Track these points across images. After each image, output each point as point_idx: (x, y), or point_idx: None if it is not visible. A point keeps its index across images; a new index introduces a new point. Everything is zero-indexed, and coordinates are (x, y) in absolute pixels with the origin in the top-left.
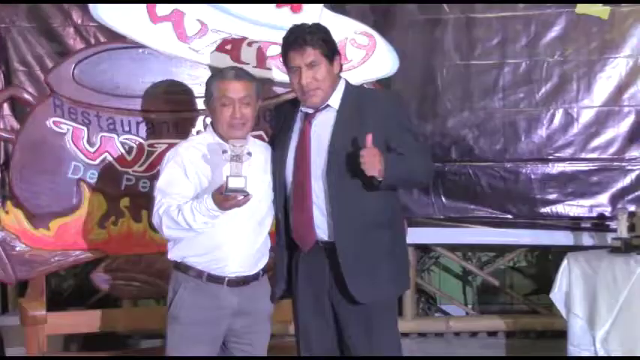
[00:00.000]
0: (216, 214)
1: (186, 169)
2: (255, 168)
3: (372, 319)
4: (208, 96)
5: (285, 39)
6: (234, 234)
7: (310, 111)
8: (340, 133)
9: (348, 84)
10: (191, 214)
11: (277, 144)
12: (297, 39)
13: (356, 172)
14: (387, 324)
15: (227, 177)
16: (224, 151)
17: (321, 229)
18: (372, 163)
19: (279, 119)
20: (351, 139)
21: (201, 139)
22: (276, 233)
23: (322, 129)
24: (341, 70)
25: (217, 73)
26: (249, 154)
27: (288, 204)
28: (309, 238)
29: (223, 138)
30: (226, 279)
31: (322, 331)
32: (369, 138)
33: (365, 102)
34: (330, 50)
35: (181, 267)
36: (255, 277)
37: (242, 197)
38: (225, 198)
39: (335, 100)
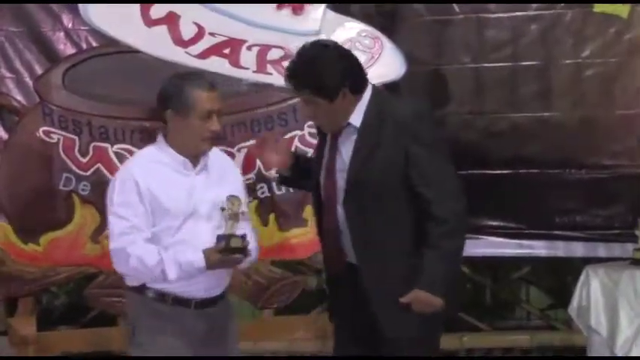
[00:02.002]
0: (201, 271)
1: (141, 193)
2: (213, 182)
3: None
4: (178, 105)
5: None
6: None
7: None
8: (359, 155)
9: (373, 96)
10: (175, 269)
11: (315, 162)
12: (288, 77)
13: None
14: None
15: (227, 237)
16: (222, 209)
17: (349, 253)
18: (424, 307)
19: (321, 132)
20: (364, 160)
21: (154, 156)
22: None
23: (346, 149)
24: (358, 90)
25: (189, 80)
26: (243, 213)
27: (322, 225)
28: (338, 261)
29: (183, 152)
30: (193, 302)
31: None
32: (404, 302)
33: (384, 117)
34: (325, 92)
35: (141, 289)
36: (221, 297)
37: (241, 256)
38: (225, 259)
39: (356, 117)
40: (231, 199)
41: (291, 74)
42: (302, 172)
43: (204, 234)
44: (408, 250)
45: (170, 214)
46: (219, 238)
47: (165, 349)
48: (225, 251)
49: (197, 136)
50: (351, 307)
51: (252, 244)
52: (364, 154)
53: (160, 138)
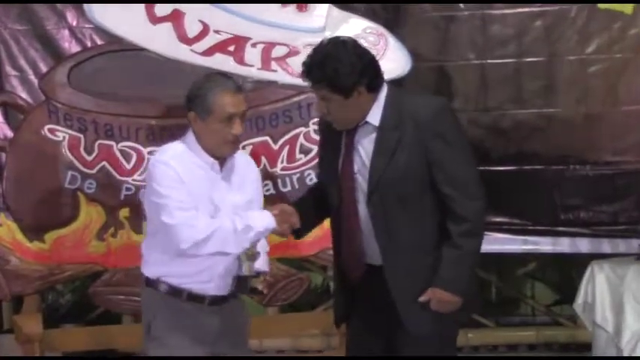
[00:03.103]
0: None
1: (182, 181)
2: (235, 186)
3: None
4: (200, 108)
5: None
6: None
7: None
8: (381, 154)
9: (390, 94)
10: (248, 231)
11: (326, 162)
12: (304, 72)
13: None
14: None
15: (248, 277)
16: (244, 250)
17: (369, 254)
18: (443, 305)
19: (327, 130)
20: (387, 159)
21: (186, 153)
22: (334, 255)
23: (364, 148)
24: (374, 89)
25: (213, 82)
26: (258, 253)
27: (341, 227)
28: (358, 265)
29: (210, 154)
30: (208, 298)
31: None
32: (423, 298)
33: (404, 114)
34: (341, 88)
35: (156, 284)
36: (234, 295)
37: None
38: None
39: (374, 115)
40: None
41: (308, 69)
42: (309, 214)
43: None
44: (430, 248)
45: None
46: (240, 278)
47: (181, 343)
48: (247, 291)
49: (220, 139)
50: (371, 309)
51: (263, 258)
52: (386, 154)
53: (190, 136)
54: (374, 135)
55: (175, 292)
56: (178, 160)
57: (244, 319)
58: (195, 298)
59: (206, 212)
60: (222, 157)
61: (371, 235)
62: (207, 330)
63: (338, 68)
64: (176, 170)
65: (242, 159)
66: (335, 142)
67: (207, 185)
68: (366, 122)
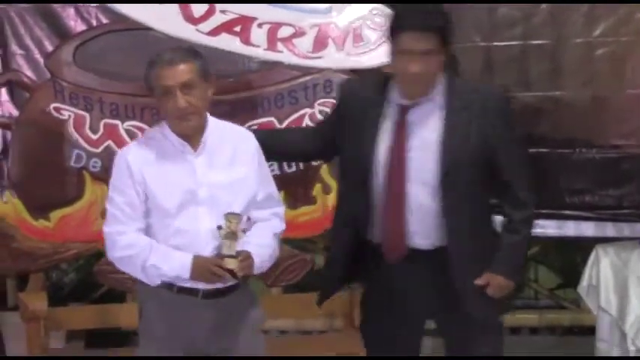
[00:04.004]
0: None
1: (133, 180)
2: (219, 163)
3: (477, 335)
4: (150, 87)
5: (408, 13)
6: (212, 246)
7: (406, 103)
8: (453, 135)
9: (448, 75)
10: (157, 273)
11: (356, 137)
12: (425, 21)
13: None
14: (492, 344)
15: (222, 256)
16: (219, 227)
17: (416, 236)
18: (499, 290)
19: (351, 103)
20: (461, 140)
21: (154, 137)
22: (337, 231)
23: (423, 126)
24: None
25: (153, 60)
26: (244, 231)
27: (371, 208)
28: (400, 246)
29: (176, 133)
30: (201, 291)
31: (403, 341)
32: (481, 282)
33: (471, 98)
34: (447, 41)
35: None
36: (233, 288)
37: (229, 277)
38: (213, 275)
39: (438, 93)
40: (229, 216)
41: (428, 12)
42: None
43: (205, 221)
44: (486, 232)
45: (162, 201)
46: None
47: (170, 337)
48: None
49: (170, 116)
50: (410, 293)
51: (265, 252)
52: (459, 135)
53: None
54: (438, 114)
55: (167, 284)
56: (143, 147)
57: (250, 311)
58: (186, 290)
59: (176, 203)
60: (183, 134)
61: (425, 216)
62: (201, 323)
63: (450, 21)
64: (130, 165)
65: (233, 134)
66: (368, 119)
67: (178, 168)
68: (428, 100)
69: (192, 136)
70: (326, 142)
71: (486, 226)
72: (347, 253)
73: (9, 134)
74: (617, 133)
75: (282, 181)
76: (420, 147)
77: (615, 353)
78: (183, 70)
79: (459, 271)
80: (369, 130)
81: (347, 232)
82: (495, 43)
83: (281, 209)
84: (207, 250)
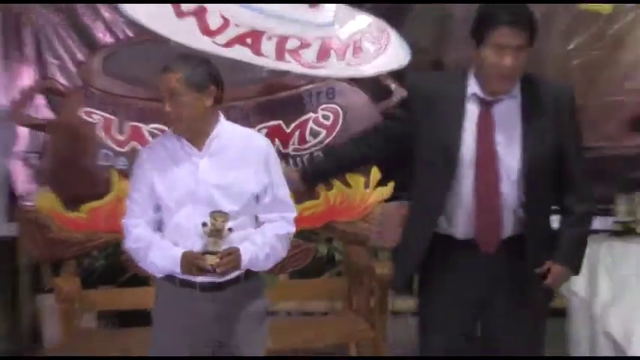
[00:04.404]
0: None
1: (146, 177)
2: (223, 164)
3: (536, 321)
4: None
5: (505, 10)
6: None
7: (490, 98)
8: (530, 129)
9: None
10: (154, 267)
11: (439, 130)
12: (518, 16)
13: None
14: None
15: (204, 253)
16: (204, 224)
17: (507, 227)
18: (559, 281)
19: (427, 97)
20: (539, 137)
21: (164, 139)
22: (415, 223)
23: (506, 121)
24: None
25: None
26: (230, 229)
27: (455, 200)
28: (495, 238)
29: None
30: (198, 284)
31: (461, 326)
32: (542, 271)
33: (546, 96)
34: (534, 37)
35: None
36: (234, 281)
37: (210, 273)
38: (198, 270)
39: (516, 90)
40: (215, 214)
41: (526, 14)
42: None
43: (201, 218)
44: (549, 223)
45: (164, 197)
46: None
47: (175, 327)
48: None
49: (168, 120)
50: (487, 277)
51: (261, 251)
52: (539, 132)
53: None
54: (517, 111)
55: (169, 277)
56: (157, 147)
57: (250, 305)
58: (186, 283)
59: (176, 199)
60: (184, 137)
61: (509, 208)
62: (202, 315)
63: (535, 20)
64: (143, 163)
65: (243, 138)
66: (450, 113)
67: (183, 168)
68: (510, 96)
69: (198, 138)
70: (388, 141)
71: (550, 218)
72: (424, 240)
73: (44, 135)
74: (592, 136)
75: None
76: (505, 142)
77: (584, 333)
78: (169, 79)
79: (533, 257)
80: (454, 124)
81: (425, 220)
82: None
83: (290, 214)
84: (199, 246)
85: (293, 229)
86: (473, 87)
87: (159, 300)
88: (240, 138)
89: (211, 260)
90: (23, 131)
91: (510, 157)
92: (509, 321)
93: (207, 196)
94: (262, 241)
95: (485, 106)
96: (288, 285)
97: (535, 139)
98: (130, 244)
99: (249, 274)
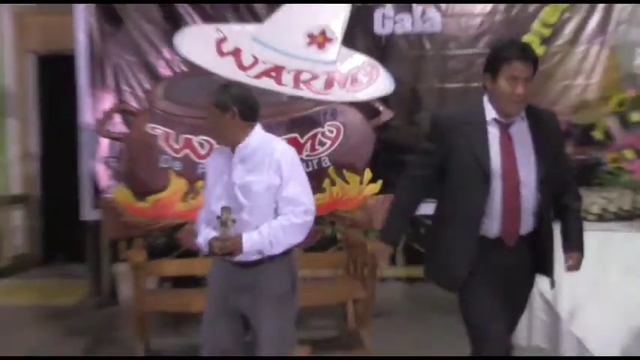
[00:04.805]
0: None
1: (207, 177)
2: (246, 169)
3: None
4: None
5: (516, 48)
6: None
7: (505, 121)
8: (539, 145)
9: None
10: (199, 241)
11: (472, 150)
12: (526, 53)
13: None
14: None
15: (216, 240)
16: (217, 217)
17: (525, 225)
18: (579, 264)
19: (455, 128)
20: (546, 152)
21: (219, 147)
22: (460, 229)
23: (520, 139)
24: None
25: None
26: (234, 221)
27: (488, 204)
28: (517, 234)
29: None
30: (228, 261)
31: (498, 312)
32: (570, 258)
33: (540, 118)
34: (536, 70)
35: None
36: (260, 262)
37: (223, 255)
38: (211, 253)
39: (523, 112)
40: (222, 209)
41: (530, 51)
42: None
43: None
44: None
45: (208, 190)
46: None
47: (217, 291)
48: (211, 252)
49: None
50: (508, 271)
51: (263, 239)
52: (547, 146)
53: None
54: (526, 130)
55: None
56: (218, 149)
57: (271, 281)
58: (225, 260)
59: (216, 194)
60: (224, 145)
61: (528, 211)
62: (230, 287)
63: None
64: (208, 160)
65: (268, 146)
66: (478, 135)
67: (223, 168)
68: (519, 118)
69: (234, 147)
70: (435, 170)
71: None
72: (474, 242)
73: (120, 145)
74: None
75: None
76: (522, 157)
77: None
78: (209, 102)
79: (548, 246)
80: (482, 143)
81: (472, 227)
82: (448, 85)
83: (298, 208)
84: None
85: (300, 220)
86: (491, 112)
87: (210, 270)
88: (263, 146)
89: (216, 246)
90: (105, 142)
91: (527, 169)
92: (521, 299)
93: (233, 194)
94: (267, 231)
95: (504, 127)
96: (302, 257)
97: (544, 153)
98: (195, 226)
99: (272, 257)
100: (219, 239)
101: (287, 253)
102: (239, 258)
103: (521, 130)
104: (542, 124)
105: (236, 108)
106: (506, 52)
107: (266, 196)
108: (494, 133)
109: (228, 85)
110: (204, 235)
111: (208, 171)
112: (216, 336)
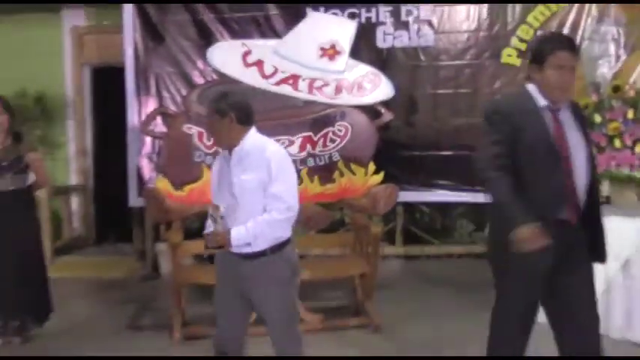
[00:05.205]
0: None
1: (212, 177)
2: (241, 169)
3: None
4: None
5: (560, 39)
6: (231, 224)
7: (555, 107)
8: (583, 130)
9: None
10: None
11: (536, 135)
12: (570, 43)
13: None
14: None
15: (206, 235)
16: (210, 215)
17: (582, 204)
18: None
19: (515, 114)
20: (587, 135)
21: (222, 152)
22: (540, 209)
23: (568, 124)
24: None
25: None
26: (222, 217)
27: (556, 184)
28: (578, 213)
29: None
30: (237, 253)
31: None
32: None
33: (578, 108)
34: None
35: None
36: (261, 254)
37: (214, 248)
38: (205, 247)
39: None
40: (212, 207)
41: (574, 42)
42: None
43: (223, 206)
44: None
45: (214, 193)
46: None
47: (224, 278)
48: (206, 246)
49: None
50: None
51: (246, 234)
52: (585, 131)
53: None
54: (571, 116)
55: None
56: (220, 156)
57: (274, 272)
58: (230, 252)
59: (217, 192)
60: (227, 149)
61: (582, 190)
62: (235, 275)
63: None
64: (214, 168)
65: (258, 148)
66: (534, 122)
67: (222, 167)
68: (566, 105)
69: (231, 150)
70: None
71: None
72: (549, 227)
73: (160, 142)
74: None
75: (315, 170)
76: (573, 140)
77: None
78: (210, 110)
79: (600, 226)
80: (542, 128)
81: (547, 209)
82: (439, 91)
83: (282, 205)
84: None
85: (282, 217)
86: (542, 100)
87: (215, 261)
88: (256, 148)
89: (208, 240)
90: (148, 140)
91: (579, 151)
92: (583, 272)
93: (232, 193)
94: (253, 225)
95: (554, 113)
96: (316, 238)
97: (587, 138)
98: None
99: (273, 248)
100: (212, 234)
101: (284, 245)
102: (239, 250)
103: (567, 117)
104: (579, 112)
105: (233, 114)
106: (551, 44)
107: (257, 193)
108: (548, 119)
109: (226, 93)
110: (207, 230)
111: (213, 174)
112: (228, 324)
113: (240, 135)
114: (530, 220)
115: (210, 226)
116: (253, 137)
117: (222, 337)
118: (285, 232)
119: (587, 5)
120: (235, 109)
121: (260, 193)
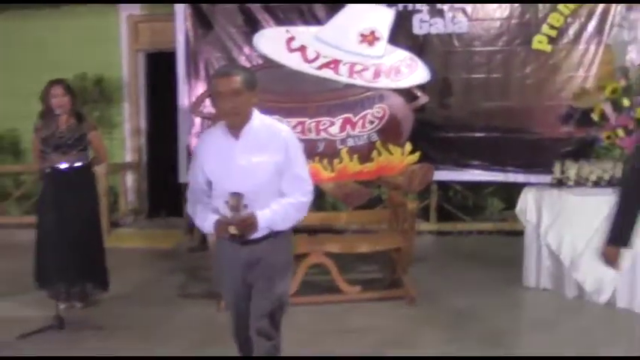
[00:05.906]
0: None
1: (199, 159)
2: (250, 149)
3: None
4: (211, 93)
5: None
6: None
7: None
8: None
9: None
10: (200, 220)
11: None
12: None
13: None
14: None
15: (228, 222)
16: (226, 202)
17: None
18: None
19: None
20: None
21: (216, 130)
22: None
23: None
24: None
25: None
26: (246, 206)
27: None
28: None
29: (228, 125)
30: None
31: None
32: None
33: None
34: None
35: None
36: (264, 238)
37: (235, 237)
38: (227, 234)
39: None
40: (232, 196)
41: None
42: None
43: (233, 190)
44: None
45: (209, 172)
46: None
47: (221, 264)
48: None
49: (218, 113)
50: None
51: (275, 217)
52: None
53: None
54: None
55: None
56: (210, 134)
57: (277, 256)
58: (231, 237)
59: (217, 175)
60: (233, 127)
61: None
62: (238, 261)
63: None
64: (200, 145)
65: (270, 129)
66: None
67: (224, 150)
68: None
69: (238, 129)
70: None
71: None
72: None
73: (209, 122)
74: (538, 125)
75: (355, 150)
76: None
77: (534, 245)
78: (234, 81)
79: None
80: None
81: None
82: (473, 75)
83: (306, 185)
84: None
85: (306, 199)
86: None
87: (217, 248)
88: (266, 128)
89: (233, 230)
90: (197, 120)
91: None
92: None
93: (238, 175)
94: (277, 208)
95: None
96: (354, 214)
97: None
98: (188, 210)
99: (277, 233)
100: (234, 220)
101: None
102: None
103: None
104: None
105: (256, 89)
106: None
107: (271, 175)
108: None
109: (237, 66)
110: (210, 219)
111: (205, 155)
112: (241, 313)
113: (251, 113)
114: (622, 243)
115: (213, 215)
116: (259, 116)
117: (240, 325)
118: (304, 215)
119: None
120: (255, 84)
121: (275, 175)
